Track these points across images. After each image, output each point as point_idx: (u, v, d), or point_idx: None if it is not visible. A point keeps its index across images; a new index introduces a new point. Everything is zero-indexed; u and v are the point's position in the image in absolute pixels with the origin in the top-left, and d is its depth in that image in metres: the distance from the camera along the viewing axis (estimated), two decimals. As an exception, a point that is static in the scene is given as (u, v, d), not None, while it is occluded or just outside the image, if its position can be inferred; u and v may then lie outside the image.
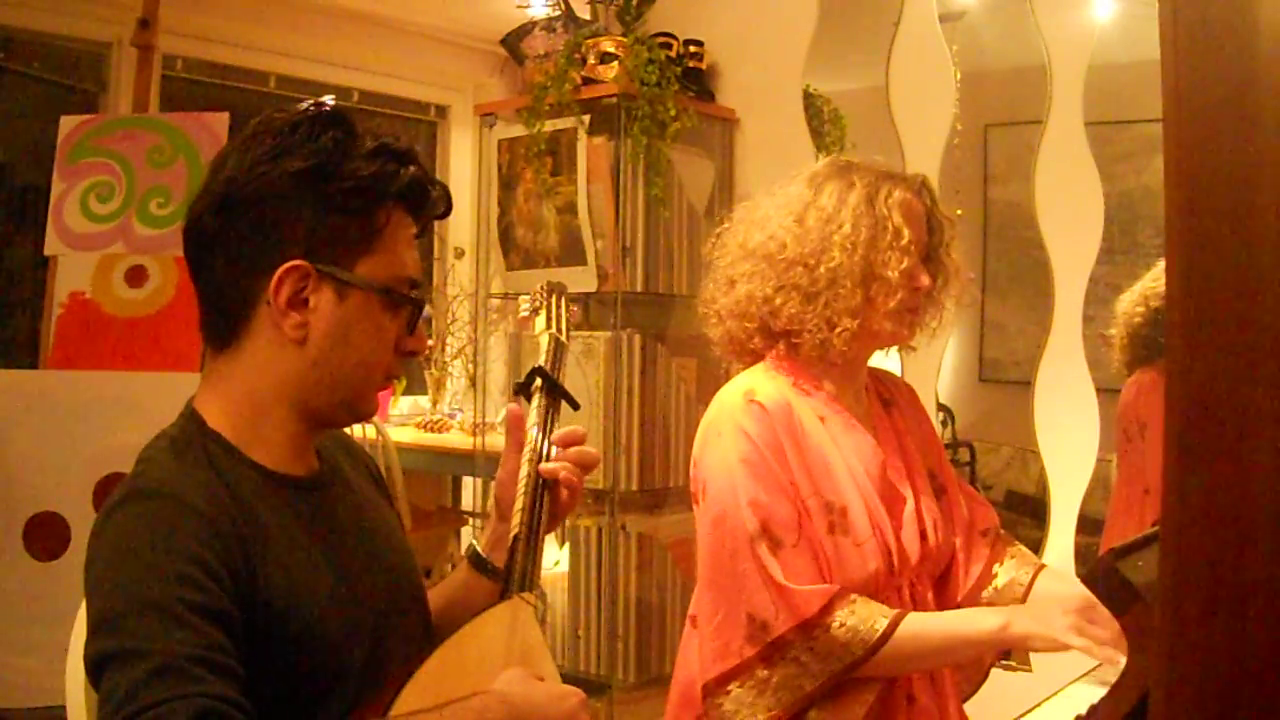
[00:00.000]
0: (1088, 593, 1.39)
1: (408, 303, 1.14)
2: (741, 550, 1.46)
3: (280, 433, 1.12)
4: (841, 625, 1.42)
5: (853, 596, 1.44)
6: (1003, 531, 1.73)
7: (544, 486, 1.27)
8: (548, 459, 1.29)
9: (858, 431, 1.58)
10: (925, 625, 1.46)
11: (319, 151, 1.08)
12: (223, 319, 1.11)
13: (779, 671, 1.44)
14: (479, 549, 1.33)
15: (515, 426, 1.32)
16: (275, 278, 1.07)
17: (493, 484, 1.36)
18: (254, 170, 1.07)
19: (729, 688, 1.46)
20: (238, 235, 1.08)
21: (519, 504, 1.26)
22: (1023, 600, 1.62)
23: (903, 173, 1.62)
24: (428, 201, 1.17)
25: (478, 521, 4.25)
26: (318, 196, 1.08)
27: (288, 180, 1.07)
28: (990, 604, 1.64)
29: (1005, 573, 1.66)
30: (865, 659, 1.42)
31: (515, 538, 1.23)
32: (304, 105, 1.13)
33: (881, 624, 1.42)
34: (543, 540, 1.25)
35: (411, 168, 1.14)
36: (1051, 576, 1.66)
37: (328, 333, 1.10)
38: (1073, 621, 1.39)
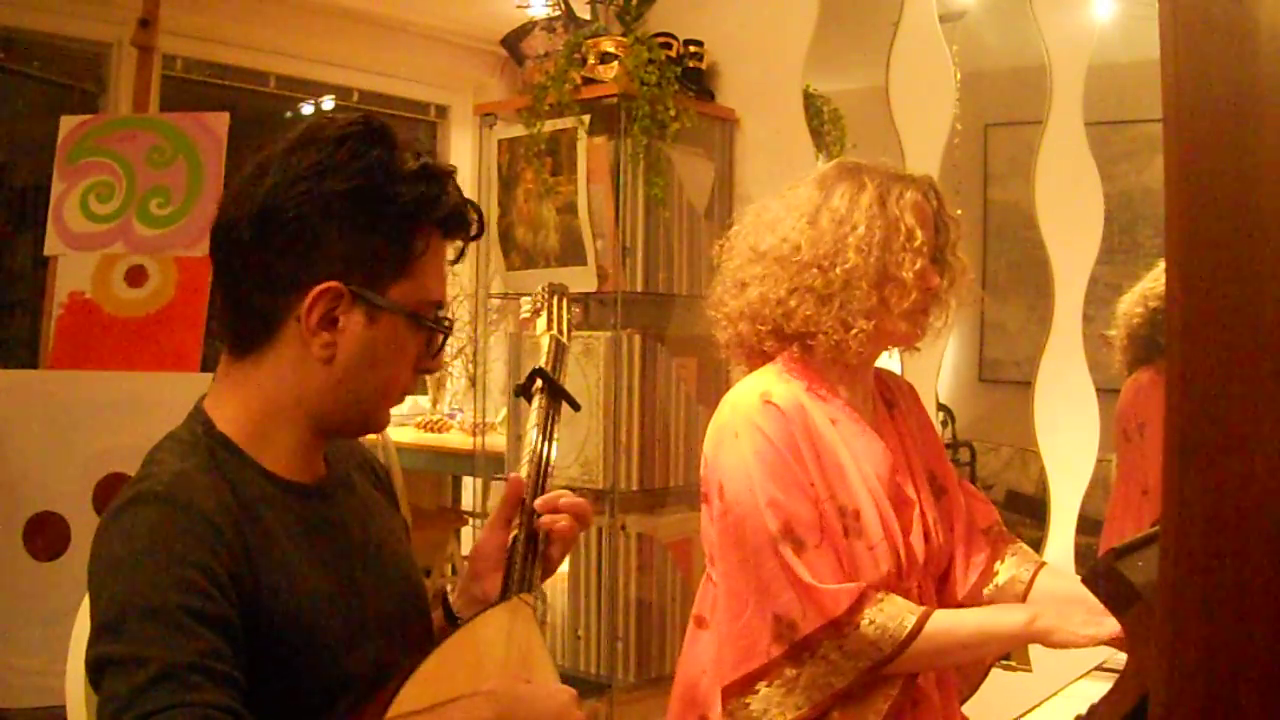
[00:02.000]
0: None
1: (437, 330, 1.14)
2: (764, 551, 1.46)
3: (291, 440, 1.12)
4: (871, 623, 1.43)
5: (880, 595, 1.45)
6: (1004, 529, 1.73)
7: (543, 488, 1.27)
8: (546, 465, 1.29)
9: (868, 435, 1.58)
10: (953, 621, 1.47)
11: (363, 172, 1.06)
12: (247, 327, 1.10)
13: (808, 670, 1.44)
14: (450, 602, 1.30)
15: (513, 499, 1.28)
16: (310, 298, 1.06)
17: (474, 547, 1.33)
18: (297, 186, 1.05)
19: (756, 687, 1.46)
20: (274, 249, 1.06)
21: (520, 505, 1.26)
22: (1023, 598, 1.63)
23: (911, 174, 1.63)
24: (466, 226, 1.15)
25: (478, 521, 4.25)
26: (359, 219, 1.06)
27: (332, 201, 1.05)
28: (992, 601, 1.65)
29: (1006, 570, 1.67)
30: (895, 656, 1.43)
31: (514, 539, 1.23)
32: (350, 118, 1.10)
33: (910, 621, 1.43)
34: (542, 541, 1.25)
35: (453, 193, 1.12)
36: (1052, 574, 1.67)
37: (355, 353, 1.09)
38: (1093, 617, 1.40)
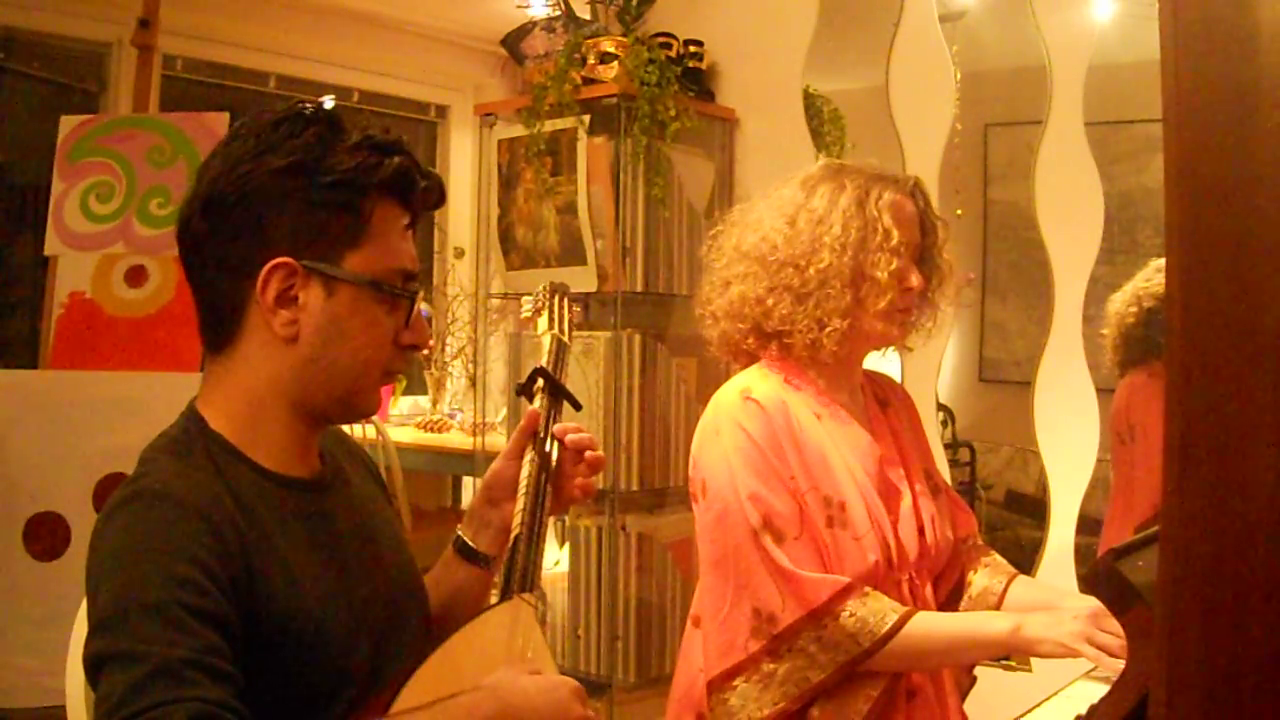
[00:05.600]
0: (1097, 602, 1.41)
1: (398, 295, 1.13)
2: (745, 544, 1.47)
3: (281, 433, 1.12)
4: (851, 615, 1.43)
5: (865, 589, 1.45)
6: (979, 541, 1.75)
7: (545, 487, 1.28)
8: (550, 460, 1.29)
9: (853, 428, 1.59)
10: (935, 624, 1.47)
11: (300, 148, 1.08)
12: (217, 320, 1.11)
13: (785, 664, 1.45)
14: (466, 539, 1.33)
15: (529, 429, 1.31)
16: (261, 276, 1.07)
17: (488, 473, 1.35)
18: (236, 170, 1.07)
19: (734, 683, 1.47)
20: (224, 236, 1.08)
21: (519, 504, 1.26)
22: (996, 609, 1.65)
23: (895, 174, 1.63)
24: (415, 190, 1.15)
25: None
26: (299, 193, 1.07)
27: (269, 178, 1.07)
28: (965, 611, 1.66)
29: (979, 581, 1.69)
30: (872, 652, 1.43)
31: (516, 538, 1.23)
32: (289, 104, 1.12)
33: (891, 618, 1.43)
34: (543, 540, 1.25)
35: (397, 158, 1.12)
36: (1025, 584, 1.69)
37: (319, 329, 1.09)
38: (1082, 629, 1.40)
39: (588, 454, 1.33)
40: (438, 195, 1.18)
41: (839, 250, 1.54)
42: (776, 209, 1.61)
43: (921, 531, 1.59)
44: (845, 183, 1.58)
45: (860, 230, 1.54)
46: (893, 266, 1.54)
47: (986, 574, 1.69)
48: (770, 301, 1.57)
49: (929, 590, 1.62)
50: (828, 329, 1.54)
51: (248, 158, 1.07)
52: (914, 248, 1.59)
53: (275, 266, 1.07)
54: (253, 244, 1.07)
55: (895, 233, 1.55)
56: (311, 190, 1.07)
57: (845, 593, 1.44)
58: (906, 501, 1.59)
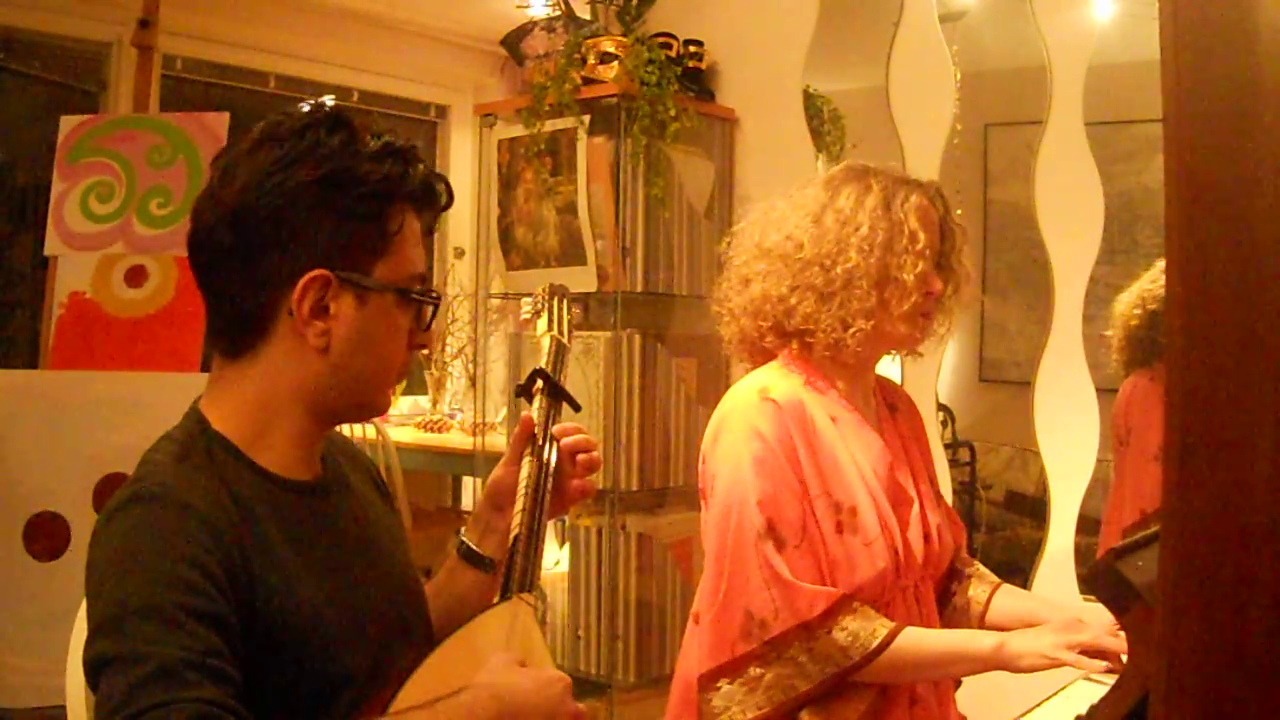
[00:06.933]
0: (1072, 610, 1.47)
1: (427, 302, 1.16)
2: (745, 546, 1.47)
3: (289, 435, 1.12)
4: (843, 630, 1.43)
5: (856, 605, 1.46)
6: (965, 552, 1.77)
7: (544, 487, 1.28)
8: (549, 462, 1.30)
9: (867, 432, 1.59)
10: (923, 639, 1.48)
11: (329, 157, 1.08)
12: (239, 328, 1.11)
13: (773, 670, 1.45)
14: (471, 544, 1.33)
15: (525, 435, 1.32)
16: (298, 289, 1.07)
17: (490, 480, 1.36)
18: (266, 182, 1.06)
19: (719, 683, 1.47)
20: (255, 248, 1.07)
21: (519, 505, 1.26)
22: (981, 618, 1.67)
23: (919, 179, 1.64)
24: (436, 199, 1.17)
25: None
26: (334, 204, 1.08)
27: (303, 190, 1.07)
28: (949, 621, 1.68)
29: (963, 592, 1.71)
30: (861, 665, 1.44)
31: (515, 538, 1.23)
32: (305, 108, 1.12)
33: (881, 633, 1.44)
34: (543, 540, 1.26)
35: (420, 166, 1.14)
36: (1009, 594, 1.70)
37: (349, 338, 1.10)
38: (1061, 638, 1.43)
39: (580, 456, 1.33)
40: (449, 198, 1.20)
41: (866, 250, 1.53)
42: (801, 208, 1.61)
43: (928, 538, 1.59)
44: (871, 184, 1.58)
45: (887, 231, 1.54)
46: (918, 269, 1.54)
47: (972, 584, 1.71)
48: (793, 300, 1.56)
49: (932, 596, 1.64)
50: (851, 329, 1.54)
51: (277, 168, 1.07)
52: (935, 252, 1.59)
53: (312, 279, 1.07)
54: (285, 256, 1.07)
55: (922, 235, 1.55)
56: (345, 201, 1.08)
57: (839, 607, 1.44)
58: (915, 507, 1.59)
